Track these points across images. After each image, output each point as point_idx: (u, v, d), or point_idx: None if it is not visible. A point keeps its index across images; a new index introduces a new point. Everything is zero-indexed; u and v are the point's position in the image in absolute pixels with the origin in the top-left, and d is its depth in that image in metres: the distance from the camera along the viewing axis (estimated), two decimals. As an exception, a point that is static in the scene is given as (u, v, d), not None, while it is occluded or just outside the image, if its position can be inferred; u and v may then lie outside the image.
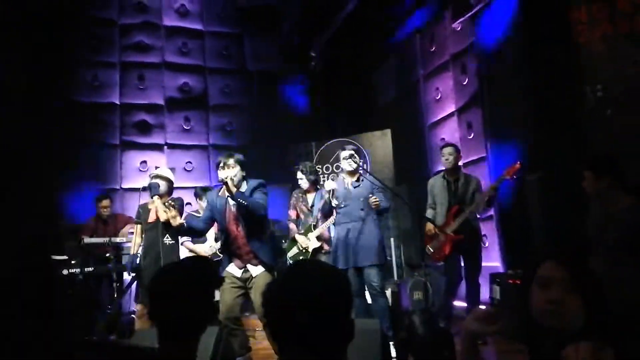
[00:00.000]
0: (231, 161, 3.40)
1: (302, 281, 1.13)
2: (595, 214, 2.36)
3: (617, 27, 3.52)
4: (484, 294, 4.98)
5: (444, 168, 4.41)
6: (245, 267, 3.45)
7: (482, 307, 4.05)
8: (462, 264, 4.28)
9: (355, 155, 4.03)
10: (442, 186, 4.33)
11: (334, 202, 3.97)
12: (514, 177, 3.96)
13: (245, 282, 3.43)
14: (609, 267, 2.24)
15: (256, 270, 3.43)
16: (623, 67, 3.48)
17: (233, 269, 3.46)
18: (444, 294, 4.41)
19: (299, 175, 4.76)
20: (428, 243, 4.31)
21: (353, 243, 3.88)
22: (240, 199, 3.28)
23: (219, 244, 4.44)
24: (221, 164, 3.42)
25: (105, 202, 5.45)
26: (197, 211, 5.09)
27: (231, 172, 3.36)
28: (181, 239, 4.91)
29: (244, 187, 3.42)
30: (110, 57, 6.86)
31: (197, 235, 4.07)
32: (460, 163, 4.44)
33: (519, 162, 3.92)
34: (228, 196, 3.40)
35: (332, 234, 4.70)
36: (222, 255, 3.64)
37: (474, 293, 4.18)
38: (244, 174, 3.46)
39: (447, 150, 4.32)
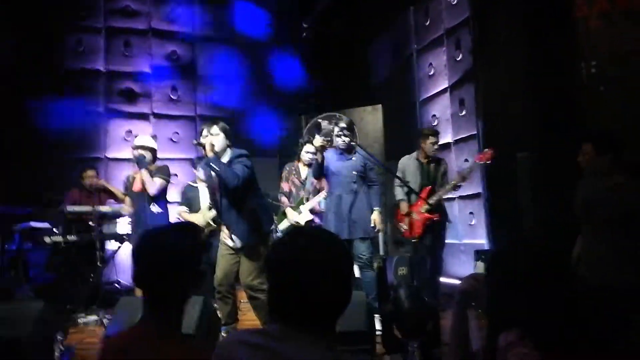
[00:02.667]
0: (214, 128, 3.32)
1: (304, 246, 1.12)
2: (588, 189, 2.33)
3: (615, 3, 3.46)
4: (469, 270, 5.04)
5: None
6: (232, 236, 3.43)
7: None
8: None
9: (348, 131, 3.99)
10: (415, 167, 4.49)
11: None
12: (487, 162, 4.22)
13: (238, 251, 3.42)
14: (599, 244, 2.23)
15: (238, 242, 3.40)
16: (619, 44, 3.44)
17: (224, 235, 3.46)
18: (429, 270, 4.52)
19: (309, 147, 4.63)
20: (401, 221, 4.47)
21: (345, 215, 3.89)
22: (213, 164, 3.18)
23: (212, 213, 4.39)
24: (204, 132, 3.35)
25: (90, 173, 5.32)
26: (194, 181, 5.02)
27: (214, 139, 3.27)
28: (178, 208, 4.88)
29: (227, 156, 3.34)
30: (95, 23, 6.63)
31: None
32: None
33: (491, 149, 4.20)
34: (205, 161, 3.31)
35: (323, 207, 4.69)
36: (214, 225, 3.63)
37: (438, 266, 4.52)
38: (228, 143, 3.37)
39: (434, 138, 4.46)
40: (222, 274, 3.41)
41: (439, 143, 4.59)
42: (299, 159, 4.76)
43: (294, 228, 4.34)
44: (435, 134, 4.54)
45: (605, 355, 1.19)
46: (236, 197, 3.32)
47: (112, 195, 5.31)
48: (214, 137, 3.28)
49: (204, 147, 3.21)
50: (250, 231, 3.36)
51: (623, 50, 3.40)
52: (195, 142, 3.36)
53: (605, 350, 1.20)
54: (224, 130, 3.34)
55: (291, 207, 4.65)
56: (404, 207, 4.43)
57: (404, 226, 4.43)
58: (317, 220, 4.62)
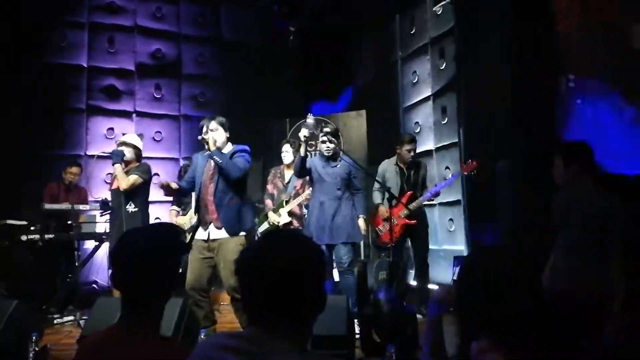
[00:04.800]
0: (213, 124, 3.45)
1: (277, 249, 1.12)
2: (560, 198, 2.39)
3: (591, 15, 3.56)
4: (448, 275, 5.11)
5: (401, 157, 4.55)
6: (208, 227, 3.42)
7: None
8: (409, 246, 4.63)
9: (333, 138, 4.03)
10: (395, 172, 4.53)
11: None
12: (472, 173, 4.30)
13: (213, 252, 3.40)
14: (571, 251, 2.29)
15: (218, 233, 3.40)
16: (597, 56, 3.53)
17: (200, 233, 3.45)
18: (398, 275, 4.57)
19: (286, 148, 4.74)
20: (378, 225, 4.50)
21: (327, 220, 3.91)
22: (217, 156, 3.34)
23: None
24: (204, 127, 3.46)
25: (75, 170, 5.25)
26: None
27: (215, 134, 3.41)
28: (171, 206, 4.85)
29: (227, 150, 3.47)
30: (79, 17, 6.54)
31: (178, 194, 4.18)
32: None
33: (476, 161, 4.29)
34: (208, 154, 3.45)
35: (304, 211, 4.72)
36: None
37: (424, 272, 4.52)
38: (227, 136, 3.51)
39: (412, 145, 4.49)
40: (193, 277, 3.36)
41: (418, 150, 4.69)
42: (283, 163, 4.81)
43: (269, 231, 4.34)
44: (412, 141, 4.54)
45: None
46: (231, 187, 3.44)
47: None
48: (214, 132, 3.42)
49: (207, 143, 3.36)
50: (236, 220, 3.43)
51: (600, 61, 3.49)
52: (200, 138, 3.47)
53: (575, 356, 1.23)
54: (222, 125, 3.48)
55: (272, 209, 4.67)
56: (382, 211, 4.44)
57: (381, 230, 4.45)
58: (295, 223, 4.65)
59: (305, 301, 1.10)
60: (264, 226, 4.73)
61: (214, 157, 3.35)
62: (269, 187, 4.83)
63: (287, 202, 4.63)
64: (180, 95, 7.01)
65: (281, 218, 4.62)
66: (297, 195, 4.63)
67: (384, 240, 4.44)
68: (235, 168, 3.36)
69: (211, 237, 3.40)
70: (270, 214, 4.64)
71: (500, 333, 1.14)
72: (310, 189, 4.19)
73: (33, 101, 6.06)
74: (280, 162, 4.86)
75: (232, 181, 3.41)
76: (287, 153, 4.72)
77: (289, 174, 4.75)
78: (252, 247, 1.19)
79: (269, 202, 4.78)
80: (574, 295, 2.18)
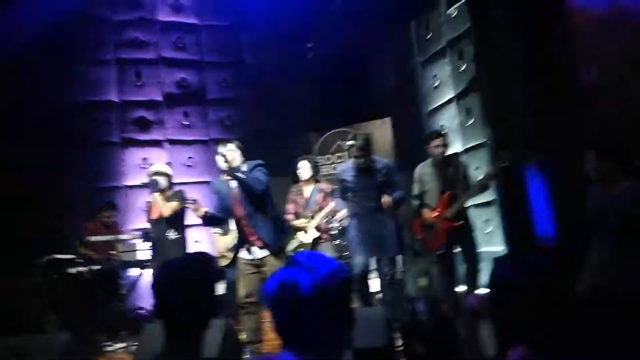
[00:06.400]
0: (230, 146, 3.56)
1: (304, 272, 1.15)
2: (595, 197, 2.32)
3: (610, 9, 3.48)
4: (486, 277, 5.01)
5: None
6: (250, 248, 3.53)
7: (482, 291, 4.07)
8: (458, 250, 4.28)
9: (364, 151, 3.93)
10: (433, 173, 4.26)
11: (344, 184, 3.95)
12: (505, 163, 3.94)
13: (259, 267, 3.52)
14: (613, 252, 2.22)
15: (260, 252, 3.52)
16: (618, 43, 3.44)
17: (243, 253, 3.59)
18: (446, 283, 4.41)
19: (302, 164, 4.73)
20: (420, 231, 4.23)
21: (370, 234, 3.86)
22: (238, 172, 3.42)
23: None
24: (221, 149, 3.54)
25: (110, 213, 5.42)
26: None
27: (233, 154, 3.51)
28: (212, 229, 4.97)
29: (244, 168, 3.55)
30: (105, 55, 6.82)
31: (219, 224, 4.24)
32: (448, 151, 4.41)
33: (507, 149, 3.96)
34: (229, 179, 3.53)
35: (333, 225, 4.74)
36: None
37: (474, 278, 4.18)
38: (243, 159, 3.59)
39: (437, 141, 4.22)
40: (245, 291, 3.52)
41: (448, 147, 4.39)
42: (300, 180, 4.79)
43: (295, 254, 4.36)
44: (438, 135, 4.31)
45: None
46: (259, 203, 3.52)
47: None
48: (232, 152, 3.52)
49: (227, 161, 3.43)
50: (276, 233, 3.55)
51: (622, 47, 3.38)
52: (220, 156, 3.50)
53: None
54: (239, 147, 3.60)
55: (298, 227, 4.67)
56: (427, 215, 4.14)
57: (423, 238, 4.21)
58: (324, 236, 4.66)
59: (335, 321, 1.14)
60: (294, 244, 4.73)
61: (236, 173, 3.42)
62: (289, 206, 4.81)
63: (312, 217, 4.65)
64: (207, 120, 7.19)
65: (308, 235, 4.63)
66: (321, 209, 4.63)
67: (431, 247, 4.21)
68: (257, 182, 3.44)
69: (257, 257, 3.53)
70: (299, 234, 4.66)
71: (537, 340, 1.14)
72: (333, 201, 4.19)
73: (68, 139, 6.33)
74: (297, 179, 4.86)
75: (258, 197, 3.47)
76: (304, 169, 4.72)
77: (308, 189, 4.77)
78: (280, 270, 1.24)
79: (291, 219, 4.74)
80: (618, 294, 2.12)
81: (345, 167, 4.11)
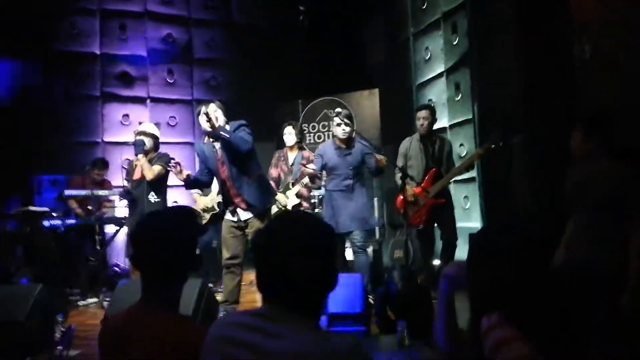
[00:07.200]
0: (212, 106, 3.46)
1: (289, 229, 1.16)
2: (576, 174, 2.33)
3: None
4: (463, 253, 5.10)
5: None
6: (236, 210, 3.52)
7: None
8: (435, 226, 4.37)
9: (349, 121, 3.97)
10: (418, 148, 4.30)
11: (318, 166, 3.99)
12: (495, 145, 3.99)
13: (244, 230, 3.53)
14: (587, 229, 2.25)
15: (245, 214, 3.52)
16: (613, 21, 3.41)
17: (227, 215, 3.59)
18: (422, 257, 4.49)
19: (289, 130, 4.73)
20: (403, 205, 4.15)
21: (342, 211, 3.93)
22: (222, 132, 3.33)
23: (220, 198, 4.45)
24: (202, 110, 3.45)
25: (101, 171, 5.32)
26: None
27: (216, 114, 3.42)
28: (191, 191, 4.92)
29: (227, 128, 3.47)
30: (89, 4, 6.56)
31: (202, 187, 4.20)
32: (435, 126, 4.43)
33: (497, 131, 4.00)
34: (212, 141, 3.48)
35: (312, 193, 4.76)
36: (219, 209, 3.74)
37: (450, 254, 4.28)
38: (226, 120, 3.51)
39: (422, 113, 4.27)
40: (229, 252, 3.54)
41: (435, 122, 4.40)
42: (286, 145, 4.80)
43: (281, 212, 4.38)
44: (424, 108, 4.34)
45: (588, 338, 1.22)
46: (244, 165, 3.49)
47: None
48: (215, 112, 3.44)
49: (210, 121, 3.34)
50: (262, 195, 3.55)
51: (617, 25, 3.35)
52: (206, 119, 3.40)
53: (588, 333, 1.23)
54: (220, 107, 3.53)
55: (279, 192, 4.69)
56: (411, 191, 4.12)
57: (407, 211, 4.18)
58: (304, 204, 4.68)
59: (317, 279, 1.14)
60: (273, 209, 4.75)
61: (221, 132, 3.34)
62: (273, 170, 4.82)
63: (293, 184, 4.65)
64: (192, 79, 7.03)
65: (289, 200, 4.64)
66: (302, 176, 4.62)
67: (412, 222, 4.23)
68: (242, 141, 3.37)
69: (241, 219, 3.53)
70: (279, 196, 4.67)
71: (510, 308, 1.15)
72: (313, 166, 4.18)
73: (49, 89, 6.14)
74: (284, 144, 4.86)
75: (242, 158, 3.44)
76: (290, 135, 4.71)
77: (292, 156, 4.77)
78: (265, 227, 1.23)
79: (273, 185, 4.77)
80: (589, 268, 2.17)
81: (327, 145, 4.10)
